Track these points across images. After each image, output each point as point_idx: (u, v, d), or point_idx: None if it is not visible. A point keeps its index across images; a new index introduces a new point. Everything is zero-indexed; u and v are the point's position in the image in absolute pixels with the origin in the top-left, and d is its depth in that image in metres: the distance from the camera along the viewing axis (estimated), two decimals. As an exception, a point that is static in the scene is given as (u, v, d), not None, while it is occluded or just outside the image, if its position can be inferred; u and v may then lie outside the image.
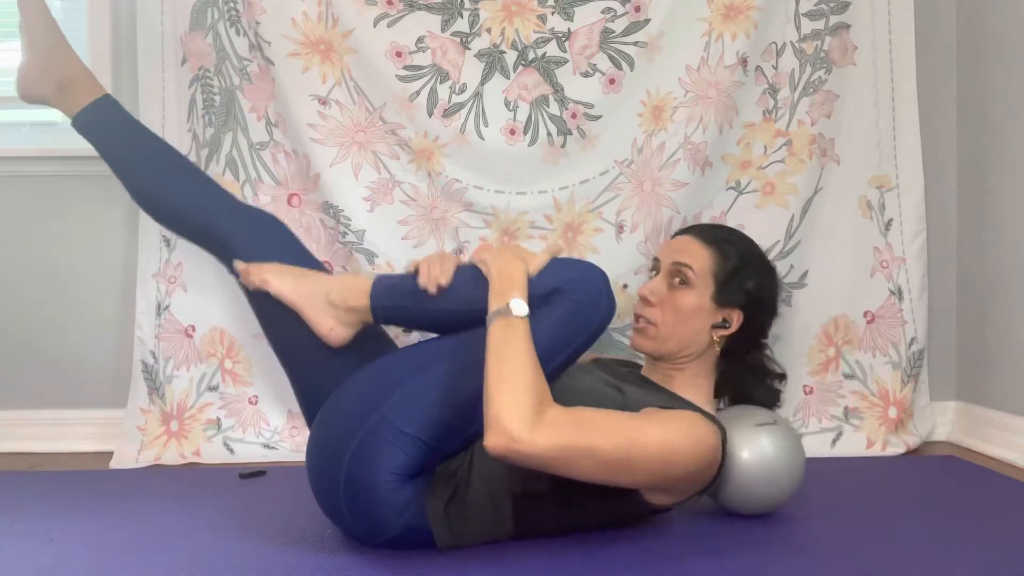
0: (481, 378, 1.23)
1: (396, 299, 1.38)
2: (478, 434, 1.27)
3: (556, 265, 1.35)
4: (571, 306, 1.31)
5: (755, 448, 1.43)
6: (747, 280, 1.46)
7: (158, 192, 1.62)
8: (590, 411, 1.26)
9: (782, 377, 1.56)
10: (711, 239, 1.49)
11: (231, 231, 1.54)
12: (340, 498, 1.31)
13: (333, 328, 1.41)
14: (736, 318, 1.46)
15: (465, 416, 1.29)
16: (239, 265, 1.48)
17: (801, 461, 1.46)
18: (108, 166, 1.66)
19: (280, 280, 1.44)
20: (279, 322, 1.47)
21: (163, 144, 1.68)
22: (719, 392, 1.53)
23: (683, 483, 1.31)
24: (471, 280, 1.37)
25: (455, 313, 1.37)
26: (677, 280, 1.47)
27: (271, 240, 1.55)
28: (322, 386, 1.44)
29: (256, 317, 1.56)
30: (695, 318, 1.45)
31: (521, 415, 1.18)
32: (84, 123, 1.65)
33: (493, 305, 1.28)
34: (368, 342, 1.46)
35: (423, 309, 1.38)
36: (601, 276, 1.34)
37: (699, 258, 1.47)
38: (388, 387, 1.32)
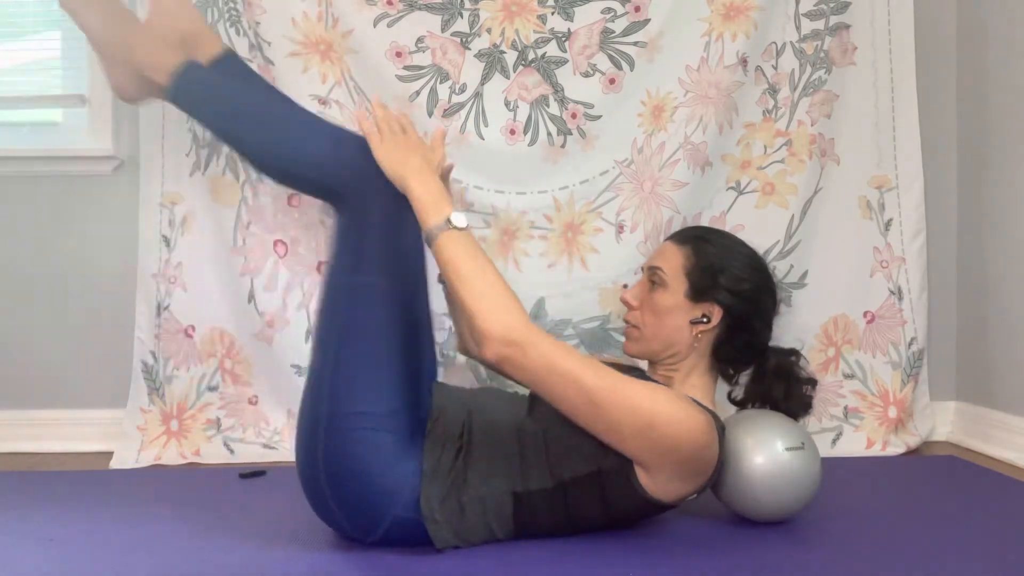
0: (393, 324, 1.26)
1: (203, 102, 1.31)
2: (430, 374, 1.36)
3: None
4: None
5: (777, 467, 1.40)
6: (720, 274, 1.46)
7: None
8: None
9: (812, 383, 1.53)
10: (685, 239, 1.52)
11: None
12: (328, 497, 1.31)
13: (122, 84, 1.33)
14: (716, 313, 1.47)
15: (407, 365, 1.30)
16: None
17: (816, 487, 1.45)
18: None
19: (86, 13, 1.30)
20: None
21: (284, 98, 1.64)
22: (747, 401, 1.53)
23: (671, 460, 1.28)
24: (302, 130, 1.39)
25: (263, 143, 1.37)
26: (653, 282, 1.49)
27: None
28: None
29: None
30: (671, 316, 1.46)
31: (514, 314, 1.22)
32: (215, 72, 1.51)
33: (431, 220, 1.29)
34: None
35: (228, 127, 1.36)
36: None
37: (671, 258, 1.49)
38: (319, 376, 1.33)
